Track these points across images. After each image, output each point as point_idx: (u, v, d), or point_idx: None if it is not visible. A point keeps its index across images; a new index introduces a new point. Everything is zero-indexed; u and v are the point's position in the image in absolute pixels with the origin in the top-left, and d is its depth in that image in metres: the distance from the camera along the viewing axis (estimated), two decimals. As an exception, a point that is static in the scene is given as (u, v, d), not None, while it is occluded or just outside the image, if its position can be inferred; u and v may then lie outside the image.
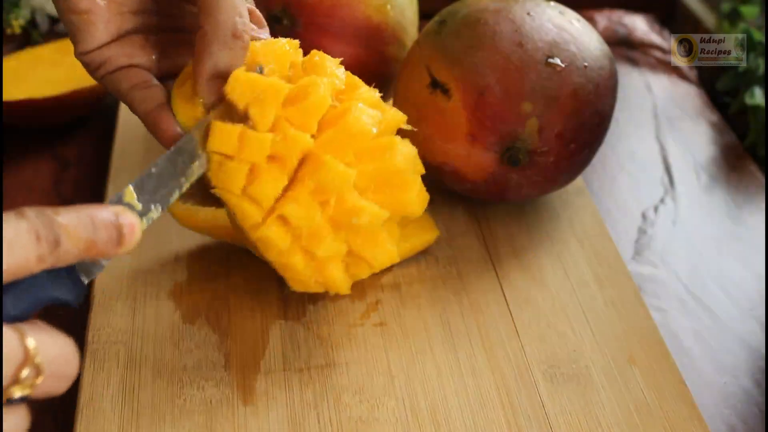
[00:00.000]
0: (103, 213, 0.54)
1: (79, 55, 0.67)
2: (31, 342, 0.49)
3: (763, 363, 0.75)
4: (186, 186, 0.63)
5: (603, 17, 1.18)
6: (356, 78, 0.69)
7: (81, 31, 0.66)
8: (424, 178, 0.84)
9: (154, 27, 0.68)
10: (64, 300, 0.54)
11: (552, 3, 0.80)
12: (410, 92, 0.79)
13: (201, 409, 0.65)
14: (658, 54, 1.14)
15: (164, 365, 0.66)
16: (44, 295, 0.53)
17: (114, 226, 0.54)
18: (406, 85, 0.79)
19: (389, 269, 0.77)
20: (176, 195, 0.62)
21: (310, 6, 0.82)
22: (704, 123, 1.03)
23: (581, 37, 0.78)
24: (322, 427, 0.64)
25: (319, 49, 0.81)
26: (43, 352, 0.49)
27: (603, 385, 0.68)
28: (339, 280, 0.69)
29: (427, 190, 0.84)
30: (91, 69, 0.67)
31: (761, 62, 1.00)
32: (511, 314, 0.73)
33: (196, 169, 0.63)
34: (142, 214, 0.59)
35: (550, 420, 0.65)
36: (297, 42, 0.67)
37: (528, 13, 0.77)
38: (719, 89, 1.04)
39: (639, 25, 1.17)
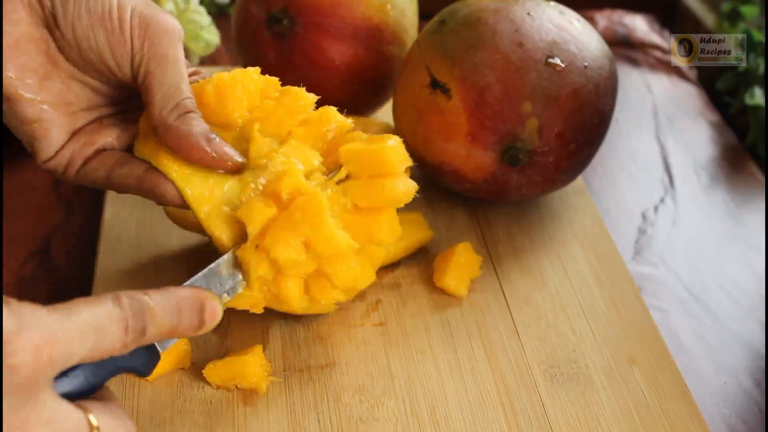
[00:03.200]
0: (190, 299, 0.57)
1: (43, 163, 0.67)
2: (94, 421, 0.52)
3: (763, 363, 0.75)
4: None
5: (603, 17, 1.18)
6: (327, 111, 0.68)
7: (37, 140, 0.66)
8: (424, 178, 0.84)
9: (107, 114, 0.68)
10: (138, 370, 0.59)
11: (552, 3, 0.80)
12: (410, 92, 0.79)
13: (201, 409, 0.65)
14: (658, 54, 1.14)
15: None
16: (122, 365, 0.57)
17: (198, 313, 0.58)
18: (406, 85, 0.79)
19: (389, 269, 0.77)
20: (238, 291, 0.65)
21: (310, 6, 0.82)
22: (704, 123, 1.03)
23: (581, 37, 0.78)
24: (322, 427, 0.64)
25: (319, 49, 0.82)
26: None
27: (603, 385, 0.68)
28: (294, 297, 0.67)
29: (427, 190, 0.84)
30: (60, 173, 0.67)
31: (761, 62, 1.00)
32: (511, 314, 0.73)
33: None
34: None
35: (550, 420, 0.65)
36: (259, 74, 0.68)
37: (528, 13, 0.77)
38: (719, 89, 1.04)
39: (639, 25, 1.17)
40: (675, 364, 0.70)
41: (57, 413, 0.50)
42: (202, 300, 0.58)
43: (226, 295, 0.64)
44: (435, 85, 0.76)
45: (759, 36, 1.00)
